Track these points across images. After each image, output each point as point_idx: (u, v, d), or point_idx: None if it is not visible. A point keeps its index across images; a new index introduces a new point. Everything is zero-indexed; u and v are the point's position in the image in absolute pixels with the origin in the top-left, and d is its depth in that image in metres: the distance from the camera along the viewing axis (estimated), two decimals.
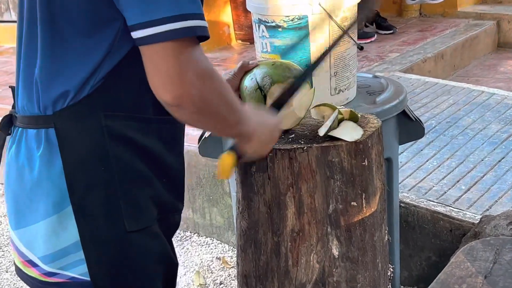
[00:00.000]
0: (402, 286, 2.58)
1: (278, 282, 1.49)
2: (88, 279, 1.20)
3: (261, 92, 1.44)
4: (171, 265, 1.35)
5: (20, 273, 1.30)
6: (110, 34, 1.13)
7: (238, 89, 1.49)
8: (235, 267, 2.95)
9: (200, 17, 1.09)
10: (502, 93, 3.84)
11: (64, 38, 1.14)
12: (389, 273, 1.61)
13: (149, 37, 1.05)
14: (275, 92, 1.43)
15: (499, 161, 2.96)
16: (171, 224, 1.36)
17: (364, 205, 1.46)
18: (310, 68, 1.48)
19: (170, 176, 1.31)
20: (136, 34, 1.06)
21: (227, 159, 1.30)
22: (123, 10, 1.08)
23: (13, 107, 1.31)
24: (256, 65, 1.51)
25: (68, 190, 1.16)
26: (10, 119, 1.28)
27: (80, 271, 1.20)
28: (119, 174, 1.19)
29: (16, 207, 1.24)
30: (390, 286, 1.62)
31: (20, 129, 1.23)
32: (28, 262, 1.24)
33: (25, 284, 3.21)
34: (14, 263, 1.32)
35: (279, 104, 1.39)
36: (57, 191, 1.17)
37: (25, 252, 1.23)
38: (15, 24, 1.26)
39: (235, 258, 3.14)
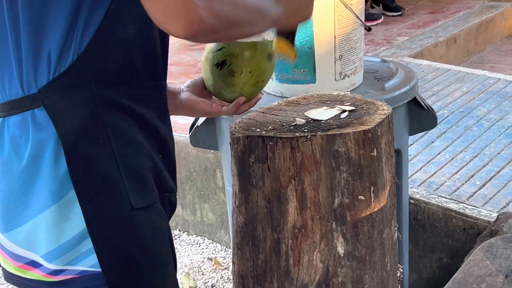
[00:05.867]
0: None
1: (278, 283, 1.49)
2: (99, 269, 1.17)
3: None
4: (174, 253, 1.33)
5: (16, 279, 1.26)
6: None
7: None
8: (230, 267, 2.96)
9: None
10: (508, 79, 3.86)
11: None
12: (398, 274, 1.61)
13: None
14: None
15: None
16: (167, 206, 1.33)
17: (372, 199, 1.46)
18: None
19: (165, 150, 1.30)
20: None
21: (281, 44, 1.36)
22: None
23: None
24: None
25: (68, 168, 1.13)
26: None
27: (90, 263, 1.18)
28: (118, 146, 1.17)
29: (5, 207, 1.20)
30: (398, 280, 1.63)
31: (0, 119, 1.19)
32: (28, 264, 1.21)
33: None
34: (4, 271, 1.28)
35: None
36: (53, 177, 1.15)
37: (23, 253, 1.20)
38: None
39: (228, 259, 3.16)
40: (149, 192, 1.22)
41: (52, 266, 1.18)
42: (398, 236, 1.61)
